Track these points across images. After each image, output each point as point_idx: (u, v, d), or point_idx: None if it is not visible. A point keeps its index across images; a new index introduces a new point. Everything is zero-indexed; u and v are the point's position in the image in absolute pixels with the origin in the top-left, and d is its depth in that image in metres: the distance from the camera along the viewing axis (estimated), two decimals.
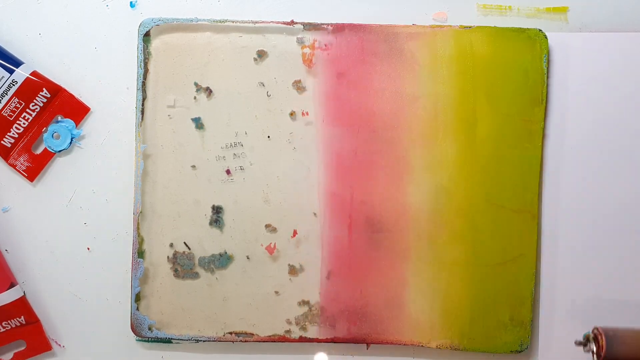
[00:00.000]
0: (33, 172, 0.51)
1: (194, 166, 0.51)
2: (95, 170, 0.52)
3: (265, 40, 0.50)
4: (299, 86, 0.50)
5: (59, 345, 0.52)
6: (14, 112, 0.50)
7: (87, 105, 0.51)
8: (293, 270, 0.51)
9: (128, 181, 0.51)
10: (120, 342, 0.52)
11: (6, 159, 0.51)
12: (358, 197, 0.50)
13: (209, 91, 0.50)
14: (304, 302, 0.51)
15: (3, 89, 0.50)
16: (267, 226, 0.51)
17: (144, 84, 0.50)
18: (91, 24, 0.51)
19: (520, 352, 0.50)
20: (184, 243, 0.51)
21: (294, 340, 0.51)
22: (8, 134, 0.51)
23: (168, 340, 0.51)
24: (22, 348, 0.52)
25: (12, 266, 0.52)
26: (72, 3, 0.52)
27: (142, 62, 0.50)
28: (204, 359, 0.52)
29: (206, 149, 0.51)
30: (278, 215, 0.51)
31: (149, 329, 0.50)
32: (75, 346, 0.52)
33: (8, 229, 0.52)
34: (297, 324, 0.51)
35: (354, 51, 0.50)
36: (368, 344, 0.52)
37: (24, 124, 0.51)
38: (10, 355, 0.52)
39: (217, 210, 0.51)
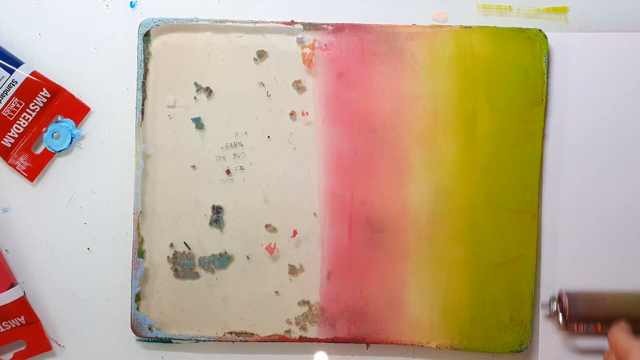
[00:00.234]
0: (33, 172, 0.51)
1: (194, 166, 0.51)
2: (95, 170, 0.52)
3: (265, 40, 0.50)
4: (299, 86, 0.50)
5: (59, 345, 0.52)
6: (14, 112, 0.50)
7: (87, 105, 0.51)
8: (293, 270, 0.51)
9: (128, 181, 0.51)
10: (121, 342, 0.52)
11: (6, 159, 0.51)
12: (358, 197, 0.50)
13: (209, 91, 0.50)
14: (304, 302, 0.51)
15: (3, 89, 0.50)
16: (267, 226, 0.51)
17: (144, 84, 0.50)
18: (91, 24, 0.52)
19: (520, 352, 0.50)
20: (184, 243, 0.51)
21: (294, 340, 0.51)
22: (8, 134, 0.51)
23: (168, 340, 0.51)
24: (22, 348, 0.52)
25: (12, 266, 0.52)
26: (72, 3, 0.52)
27: (142, 62, 0.50)
28: (204, 358, 0.52)
29: (206, 149, 0.51)
30: (278, 215, 0.51)
31: (149, 328, 0.50)
32: (75, 346, 0.52)
33: (8, 229, 0.52)
34: (297, 323, 0.51)
35: (354, 51, 0.50)
36: (368, 344, 0.52)
37: (24, 124, 0.51)
38: (11, 355, 0.52)
39: (217, 210, 0.51)
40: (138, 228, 0.50)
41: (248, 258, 0.51)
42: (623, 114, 0.50)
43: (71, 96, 0.51)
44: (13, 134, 0.51)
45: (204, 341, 0.51)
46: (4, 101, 0.50)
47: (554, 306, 0.49)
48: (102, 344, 0.52)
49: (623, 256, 0.50)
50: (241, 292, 0.51)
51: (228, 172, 0.51)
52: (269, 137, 0.51)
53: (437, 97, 0.50)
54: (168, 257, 0.51)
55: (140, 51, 0.50)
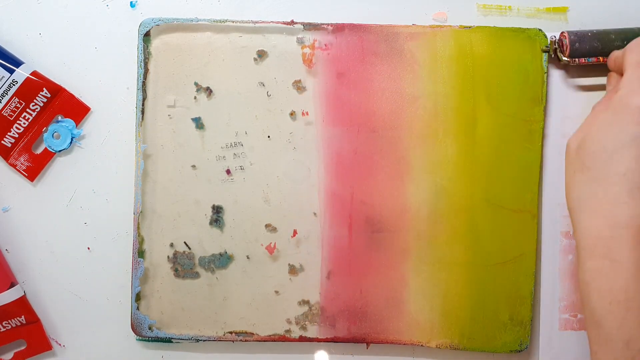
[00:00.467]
0: (33, 172, 0.51)
1: (194, 166, 0.51)
2: (95, 170, 0.52)
3: (265, 40, 0.50)
4: (299, 86, 0.50)
5: (59, 344, 0.52)
6: (14, 112, 0.50)
7: (87, 105, 0.51)
8: (293, 270, 0.51)
9: (128, 181, 0.51)
10: (121, 342, 0.52)
11: (6, 158, 0.51)
12: (358, 197, 0.50)
13: (209, 91, 0.50)
14: (304, 302, 0.51)
15: (3, 89, 0.50)
16: (267, 226, 0.51)
17: (144, 84, 0.50)
18: (91, 24, 0.52)
19: (519, 351, 0.50)
20: (184, 243, 0.51)
21: (294, 340, 0.51)
22: (8, 133, 0.51)
23: (168, 340, 0.51)
24: (23, 347, 0.52)
25: (12, 266, 0.52)
26: (72, 3, 0.52)
27: (142, 62, 0.50)
28: (204, 358, 0.52)
29: (206, 149, 0.51)
30: (278, 215, 0.51)
31: (149, 328, 0.50)
32: (76, 346, 0.52)
33: (8, 228, 0.52)
34: (297, 323, 0.51)
35: (354, 51, 0.50)
36: (368, 344, 0.52)
37: (24, 123, 0.51)
38: (11, 354, 0.52)
39: (217, 210, 0.51)
40: (138, 228, 0.50)
41: (248, 258, 0.51)
42: None
43: (71, 96, 0.51)
44: (13, 133, 0.51)
45: (204, 341, 0.51)
46: (4, 101, 0.50)
47: (555, 45, 0.49)
48: (102, 344, 0.52)
49: None
50: (241, 292, 0.51)
51: (228, 172, 0.51)
52: (269, 137, 0.51)
53: (437, 97, 0.50)
54: (168, 257, 0.51)
55: (140, 51, 0.50)
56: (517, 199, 0.50)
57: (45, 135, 0.51)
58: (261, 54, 0.50)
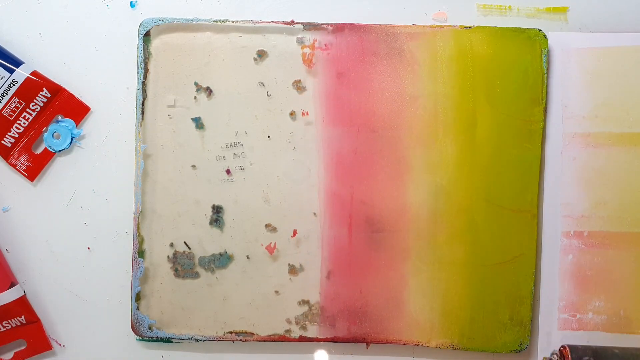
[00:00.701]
0: (33, 171, 0.51)
1: (194, 166, 0.51)
2: (95, 170, 0.52)
3: (265, 40, 0.50)
4: (299, 86, 0.50)
5: (59, 344, 0.52)
6: (14, 112, 0.50)
7: (87, 105, 0.51)
8: (293, 270, 0.51)
9: (128, 181, 0.51)
10: (121, 342, 0.52)
11: (6, 158, 0.51)
12: (358, 197, 0.50)
13: (209, 91, 0.50)
14: (304, 302, 0.51)
15: (3, 88, 0.50)
16: (267, 226, 0.51)
17: (144, 83, 0.50)
18: (91, 24, 0.51)
19: (519, 351, 0.50)
20: (184, 243, 0.51)
21: (294, 340, 0.51)
22: (8, 133, 0.51)
23: (168, 340, 0.51)
24: (23, 347, 0.52)
25: (12, 266, 0.52)
26: (72, 3, 0.52)
27: (142, 62, 0.50)
28: (204, 358, 0.52)
29: (206, 148, 0.51)
30: (278, 215, 0.51)
31: (149, 328, 0.50)
32: (76, 346, 0.52)
33: (8, 228, 0.52)
34: (297, 323, 0.51)
35: (354, 51, 0.50)
36: (368, 344, 0.52)
37: (24, 123, 0.51)
38: (11, 354, 0.52)
39: (217, 210, 0.51)
40: (138, 228, 0.50)
41: (248, 258, 0.51)
42: (623, 113, 0.50)
43: (71, 96, 0.51)
44: (13, 133, 0.51)
45: (204, 341, 0.51)
46: (4, 101, 0.50)
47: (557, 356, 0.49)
48: (102, 344, 0.52)
49: (623, 256, 0.50)
50: (241, 292, 0.51)
51: (228, 171, 0.51)
52: (269, 137, 0.51)
53: (437, 97, 0.50)
54: (168, 256, 0.51)
55: (140, 51, 0.50)
56: (517, 199, 0.50)
57: (45, 135, 0.51)
58: (261, 54, 0.50)
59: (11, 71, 0.50)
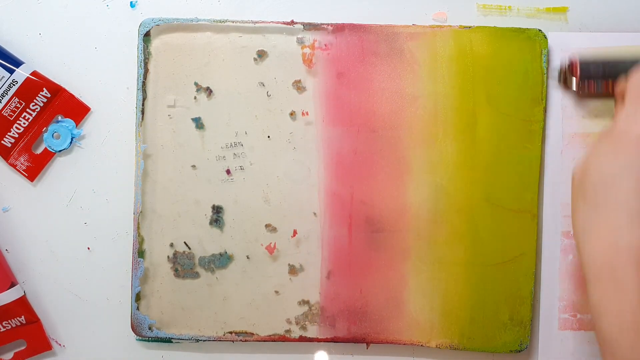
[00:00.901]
0: (33, 172, 0.51)
1: (194, 166, 0.51)
2: (95, 170, 0.52)
3: (265, 40, 0.50)
4: (299, 86, 0.50)
5: (59, 344, 0.52)
6: (14, 112, 0.50)
7: (87, 105, 0.51)
8: (293, 270, 0.51)
9: (128, 181, 0.51)
10: (121, 342, 0.52)
11: (6, 158, 0.51)
12: (358, 197, 0.50)
13: (209, 91, 0.50)
14: (304, 302, 0.51)
15: (3, 89, 0.50)
16: (267, 226, 0.51)
17: (144, 84, 0.50)
18: (91, 24, 0.51)
19: (519, 351, 0.50)
20: (184, 243, 0.51)
21: (294, 340, 0.51)
22: (8, 133, 0.51)
23: (168, 340, 0.51)
24: (23, 347, 0.52)
25: (12, 266, 0.52)
26: (72, 3, 0.52)
27: (142, 62, 0.50)
28: (204, 358, 0.52)
29: (206, 149, 0.51)
30: (278, 215, 0.51)
31: (149, 328, 0.50)
32: (76, 346, 0.52)
33: (8, 228, 0.52)
34: (297, 323, 0.51)
35: (354, 51, 0.50)
36: (368, 344, 0.52)
37: (24, 123, 0.51)
38: (11, 354, 0.52)
39: (217, 210, 0.51)
40: (138, 228, 0.50)
41: (248, 258, 0.51)
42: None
43: (71, 96, 0.51)
44: (13, 133, 0.51)
45: (204, 341, 0.51)
46: (4, 101, 0.50)
47: (565, 70, 0.49)
48: (102, 344, 0.52)
49: None
50: (241, 292, 0.51)
51: (228, 172, 0.51)
52: (269, 137, 0.51)
53: (437, 97, 0.50)
54: (168, 256, 0.51)
55: (140, 51, 0.50)
56: (517, 199, 0.50)
57: (45, 135, 0.51)
58: (261, 54, 0.50)
59: (11, 71, 0.50)
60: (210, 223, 0.51)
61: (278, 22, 0.50)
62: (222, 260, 0.51)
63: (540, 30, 0.50)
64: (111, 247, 0.52)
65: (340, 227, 0.50)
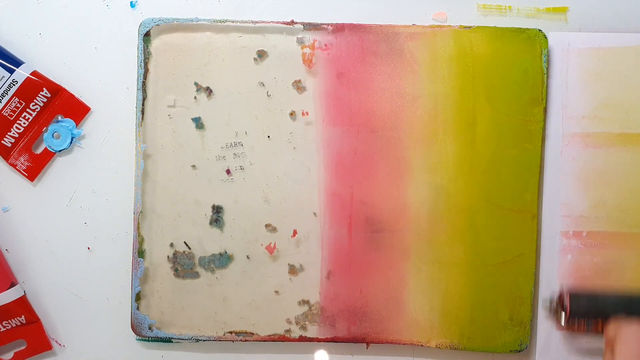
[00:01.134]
0: (33, 171, 0.51)
1: (194, 166, 0.51)
2: (95, 170, 0.52)
3: (265, 40, 0.50)
4: (299, 86, 0.50)
5: (59, 344, 0.52)
6: (14, 111, 0.50)
7: (87, 105, 0.51)
8: (293, 270, 0.51)
9: (128, 181, 0.51)
10: (121, 342, 0.52)
11: (6, 158, 0.51)
12: (358, 197, 0.50)
13: (209, 91, 0.50)
14: (304, 302, 0.51)
15: (3, 88, 0.50)
16: (267, 226, 0.51)
17: (144, 83, 0.50)
18: (91, 24, 0.51)
19: (519, 351, 0.50)
20: (184, 243, 0.51)
21: (294, 340, 0.51)
22: (8, 133, 0.51)
23: (168, 340, 0.51)
24: (23, 347, 0.52)
25: (12, 266, 0.52)
26: (72, 3, 0.52)
27: (142, 62, 0.50)
28: (204, 358, 0.52)
29: (206, 148, 0.51)
30: (278, 215, 0.51)
31: (149, 328, 0.50)
32: (76, 345, 0.52)
33: (8, 228, 0.52)
34: (297, 323, 0.51)
35: (354, 51, 0.50)
36: (368, 344, 0.52)
37: (24, 123, 0.51)
38: (11, 354, 0.52)
39: (217, 210, 0.51)
40: (138, 228, 0.50)
41: (248, 258, 0.51)
42: (623, 114, 0.50)
43: (71, 96, 0.51)
44: (13, 133, 0.51)
45: (204, 341, 0.51)
46: (4, 101, 0.50)
47: (555, 305, 0.49)
48: (102, 344, 0.52)
49: (623, 256, 0.50)
50: (241, 292, 0.51)
51: (228, 172, 0.51)
52: (269, 137, 0.51)
53: (437, 97, 0.50)
54: (168, 256, 0.51)
55: (140, 51, 0.50)
56: (517, 199, 0.50)
57: (45, 135, 0.51)
58: (261, 54, 0.50)
59: (11, 71, 0.50)
60: (210, 223, 0.51)
61: (278, 22, 0.50)
62: (222, 260, 0.51)
63: (540, 30, 0.50)
64: (111, 247, 0.52)
65: (340, 227, 0.50)
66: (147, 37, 0.50)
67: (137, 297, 0.50)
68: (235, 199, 0.51)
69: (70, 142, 0.51)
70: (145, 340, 0.52)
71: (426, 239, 0.50)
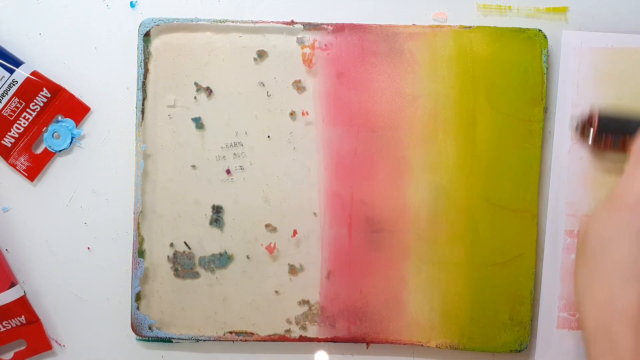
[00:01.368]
0: (33, 171, 0.51)
1: (194, 166, 0.51)
2: (95, 170, 0.52)
3: (265, 40, 0.50)
4: (299, 86, 0.50)
5: (60, 344, 0.52)
6: (14, 112, 0.50)
7: (87, 105, 0.51)
8: (293, 270, 0.51)
9: (128, 181, 0.51)
10: (121, 342, 0.52)
11: (6, 158, 0.51)
12: (358, 197, 0.50)
13: (209, 91, 0.50)
14: (304, 302, 0.51)
15: (3, 88, 0.50)
16: (267, 226, 0.51)
17: (144, 83, 0.50)
18: (91, 24, 0.51)
19: (519, 351, 0.50)
20: (184, 243, 0.51)
21: (294, 340, 0.51)
22: (8, 133, 0.51)
23: (168, 340, 0.51)
24: (23, 347, 0.52)
25: (12, 266, 0.52)
26: (72, 3, 0.52)
27: (142, 62, 0.50)
28: (204, 358, 0.52)
29: (206, 148, 0.51)
30: (278, 215, 0.51)
31: (149, 328, 0.51)
32: (76, 346, 0.52)
33: (8, 228, 0.52)
34: (297, 323, 0.51)
35: (354, 51, 0.50)
36: (368, 344, 0.52)
37: (24, 123, 0.51)
38: (11, 354, 0.52)
39: (217, 210, 0.51)
40: (138, 228, 0.50)
41: (248, 258, 0.51)
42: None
43: (71, 96, 0.51)
44: (13, 133, 0.51)
45: (204, 341, 0.51)
46: (4, 101, 0.50)
47: (584, 122, 0.49)
48: (102, 344, 0.52)
49: None
50: (241, 292, 0.51)
51: (228, 172, 0.51)
52: (269, 137, 0.51)
53: (437, 97, 0.50)
54: (168, 256, 0.51)
55: (140, 51, 0.50)
56: (517, 199, 0.50)
57: (45, 135, 0.51)
58: (261, 54, 0.50)
59: (11, 71, 0.50)
60: (210, 223, 0.51)
61: (278, 22, 0.50)
62: (222, 260, 0.51)
63: (540, 30, 0.50)
64: (111, 247, 0.52)
65: (340, 227, 0.50)
66: (147, 37, 0.50)
67: (137, 297, 0.50)
68: (235, 199, 0.51)
69: (70, 142, 0.51)
70: (145, 340, 0.52)
71: (426, 239, 0.50)
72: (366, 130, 0.50)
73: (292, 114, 0.50)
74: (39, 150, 0.51)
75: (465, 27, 0.50)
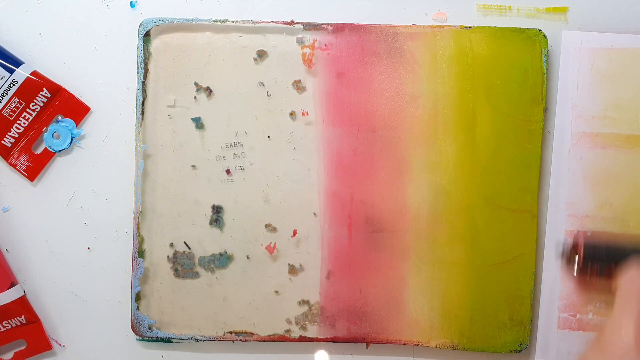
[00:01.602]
0: (33, 171, 0.51)
1: (194, 166, 0.51)
2: (95, 170, 0.52)
3: (265, 40, 0.50)
4: (299, 86, 0.50)
5: (59, 344, 0.52)
6: (14, 112, 0.50)
7: (87, 105, 0.51)
8: (293, 270, 0.51)
9: (128, 181, 0.51)
10: (121, 342, 0.52)
11: (6, 158, 0.51)
12: (358, 197, 0.50)
13: (209, 91, 0.50)
14: (304, 302, 0.51)
15: (3, 88, 0.50)
16: (267, 226, 0.51)
17: (144, 83, 0.50)
18: (91, 24, 0.51)
19: (519, 351, 0.50)
20: (184, 243, 0.51)
21: (293, 340, 0.51)
22: (8, 133, 0.51)
23: (168, 340, 0.51)
24: (23, 347, 0.52)
25: (12, 266, 0.52)
26: (72, 3, 0.52)
27: (142, 62, 0.50)
28: (204, 358, 0.52)
29: (206, 148, 0.51)
30: (278, 215, 0.51)
31: (149, 328, 0.51)
32: (76, 346, 0.52)
33: (8, 228, 0.52)
34: (297, 323, 0.51)
35: (354, 51, 0.50)
36: (368, 344, 0.52)
37: (24, 123, 0.51)
38: (11, 354, 0.52)
39: (217, 210, 0.51)
40: (138, 228, 0.50)
41: (248, 258, 0.51)
42: (623, 114, 0.50)
43: (71, 96, 0.51)
44: (13, 133, 0.51)
45: (204, 341, 0.51)
46: (4, 101, 0.50)
47: (569, 251, 0.49)
48: (102, 344, 0.52)
49: None
50: (241, 292, 0.51)
51: (228, 172, 0.51)
52: (269, 137, 0.51)
53: (437, 97, 0.50)
54: (168, 256, 0.51)
55: (140, 51, 0.50)
56: (517, 199, 0.50)
57: (45, 135, 0.51)
58: (261, 54, 0.50)
59: (11, 71, 0.50)
60: (210, 223, 0.51)
61: (278, 22, 0.50)
62: (222, 260, 0.51)
63: (540, 30, 0.50)
64: (111, 247, 0.52)
65: (340, 227, 0.50)
66: (147, 37, 0.50)
67: (137, 297, 0.50)
68: (235, 199, 0.51)
69: (70, 142, 0.51)
70: (145, 340, 0.52)
71: (426, 239, 0.50)
72: (366, 130, 0.50)
73: (292, 114, 0.50)
74: (39, 150, 0.51)
75: (465, 27, 0.50)
